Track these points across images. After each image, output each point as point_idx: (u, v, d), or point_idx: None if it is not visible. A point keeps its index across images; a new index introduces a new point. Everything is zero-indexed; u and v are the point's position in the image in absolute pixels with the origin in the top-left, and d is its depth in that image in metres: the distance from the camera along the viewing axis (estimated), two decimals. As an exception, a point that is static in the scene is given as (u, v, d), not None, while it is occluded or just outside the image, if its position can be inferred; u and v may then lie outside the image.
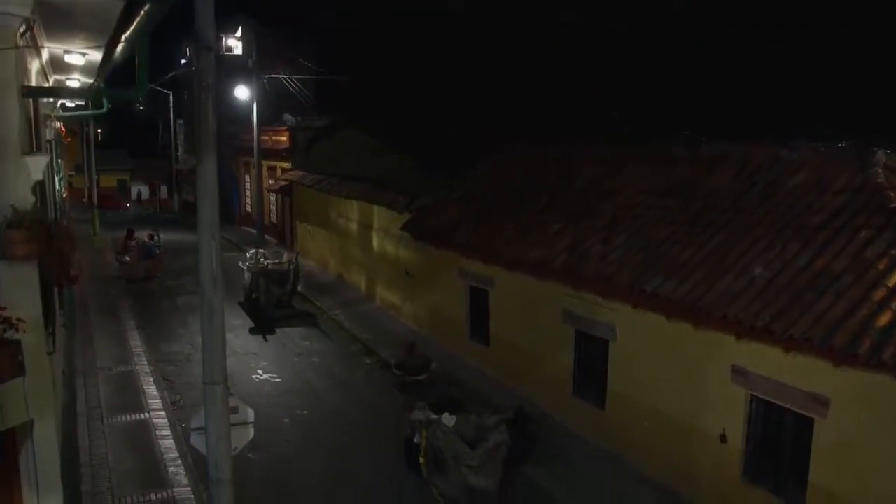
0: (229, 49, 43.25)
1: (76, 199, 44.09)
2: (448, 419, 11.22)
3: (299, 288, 22.46)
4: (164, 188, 62.01)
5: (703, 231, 11.53)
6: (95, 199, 36.69)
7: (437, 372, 15.36)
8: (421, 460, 11.49)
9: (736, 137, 13.46)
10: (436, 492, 11.18)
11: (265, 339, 19.12)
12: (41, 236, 5.23)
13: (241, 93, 30.70)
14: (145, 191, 64.67)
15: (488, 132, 20.76)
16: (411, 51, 27.67)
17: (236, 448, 7.93)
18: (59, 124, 19.47)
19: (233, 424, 7.74)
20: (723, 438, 10.59)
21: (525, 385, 14.82)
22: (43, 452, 5.57)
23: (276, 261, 22.58)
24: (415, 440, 11.92)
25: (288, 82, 30.53)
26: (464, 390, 15.06)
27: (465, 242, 15.92)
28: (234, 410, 7.87)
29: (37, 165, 5.70)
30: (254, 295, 21.12)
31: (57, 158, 17.17)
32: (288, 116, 31.97)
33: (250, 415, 8.11)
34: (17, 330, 4.95)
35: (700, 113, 16.35)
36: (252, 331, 19.71)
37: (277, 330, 19.77)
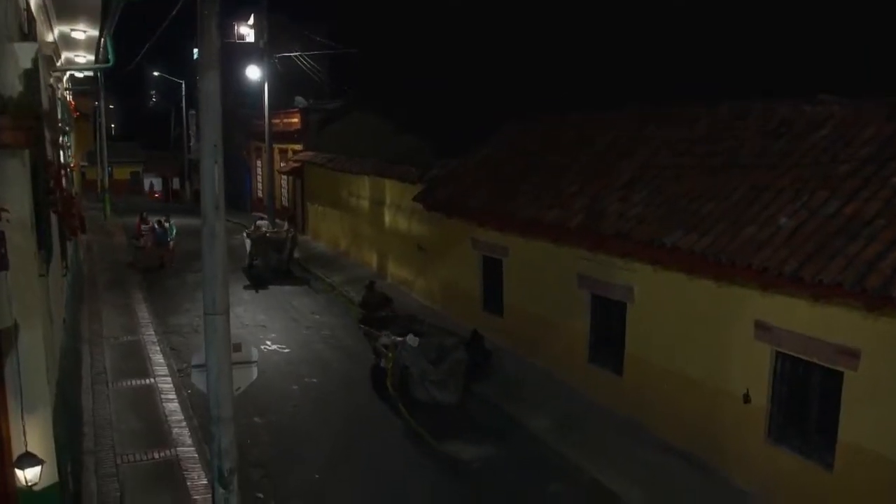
0: (241, 37, 43.20)
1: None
2: (413, 340, 12.39)
3: (296, 255, 24.15)
4: (175, 180, 62.02)
5: (724, 185, 11.12)
6: (107, 185, 36.61)
7: (396, 308, 16.29)
8: (388, 382, 12.53)
9: (757, 96, 13.01)
10: (402, 409, 12.14)
11: (256, 292, 20.96)
12: (29, 125, 4.90)
13: (253, 73, 30.37)
14: (157, 183, 64.66)
15: (501, 109, 20.35)
16: (423, 26, 27.33)
17: (239, 388, 7.61)
18: (68, 96, 19.29)
19: (235, 363, 7.41)
20: (746, 398, 10.15)
21: (540, 354, 14.45)
22: (28, 361, 5.24)
23: (275, 230, 24.24)
24: (381, 365, 12.99)
25: (300, 60, 30.16)
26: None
27: (479, 208, 15.55)
28: (237, 348, 7.54)
29: (25, 53, 5.39)
30: (255, 262, 22.86)
31: (65, 127, 16.96)
32: (299, 99, 31.72)
33: (254, 354, 7.78)
34: (-1, 219, 4.65)
35: (719, 73, 15.89)
36: (246, 287, 21.44)
37: (288, 304, 19.69)
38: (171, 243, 24.59)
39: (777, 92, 12.77)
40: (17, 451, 5.22)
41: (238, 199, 38.08)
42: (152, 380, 13.66)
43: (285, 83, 31.95)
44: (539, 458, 11.27)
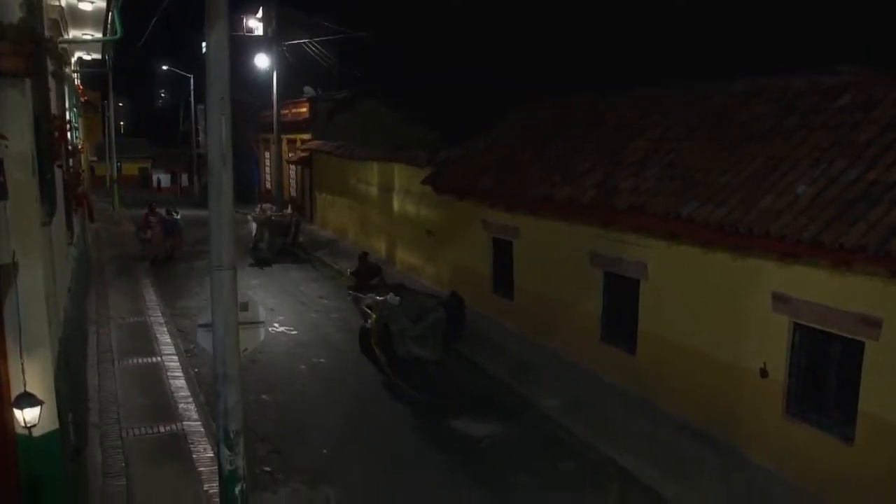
0: (250, 30, 43.09)
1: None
2: (393, 299, 12.94)
3: (301, 239, 24.66)
4: (184, 176, 62.17)
5: (740, 158, 10.89)
6: (115, 177, 36.63)
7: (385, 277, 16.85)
8: (372, 341, 13.12)
9: (771, 71, 12.75)
10: (383, 363, 12.92)
11: (261, 269, 21.91)
12: (30, 50, 4.72)
13: (261, 61, 30.25)
14: (165, 179, 64.79)
15: (510, 95, 20.15)
16: (430, 14, 27.11)
17: (246, 349, 7.45)
18: (76, 79, 19.21)
19: (242, 323, 7.24)
20: (763, 373, 9.93)
21: (551, 336, 14.25)
22: (28, 301, 5.06)
23: (280, 214, 24.90)
24: (367, 325, 13.54)
25: (309, 47, 30.02)
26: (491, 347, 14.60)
27: (490, 188, 15.36)
28: (244, 308, 7.38)
29: (25, -22, 5.23)
30: (259, 245, 23.14)
31: (73, 108, 16.88)
32: (308, 88, 31.63)
33: (261, 314, 7.61)
34: (-3, 143, 4.47)
35: (731, 52, 15.58)
36: (251, 265, 22.13)
37: (296, 290, 19.62)
38: (179, 226, 24.18)
39: (794, 67, 12.49)
40: (16, 393, 5.06)
41: (247, 191, 38.00)
42: (159, 358, 13.54)
43: (294, 73, 31.85)
44: (550, 437, 11.10)
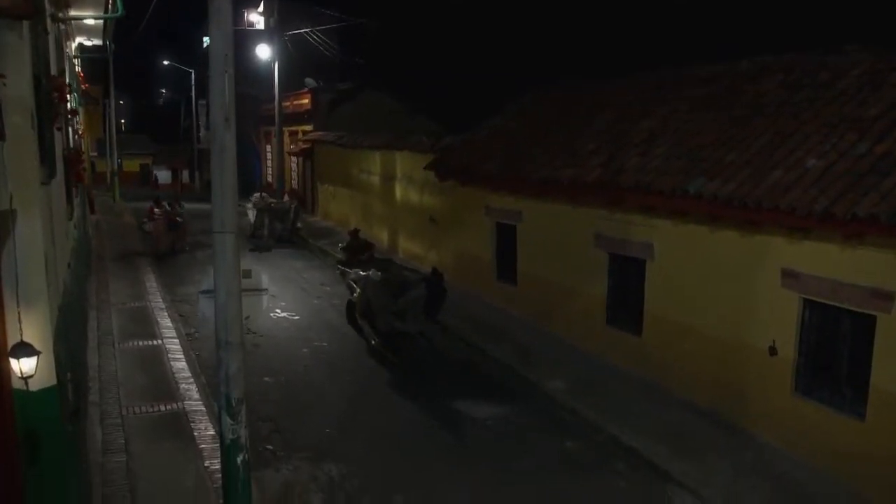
0: (251, 24, 43.00)
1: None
2: (375, 275, 13.23)
3: (299, 225, 25.08)
4: (185, 173, 62.06)
5: (748, 135, 10.78)
6: (115, 170, 36.53)
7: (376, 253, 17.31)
8: (356, 313, 13.81)
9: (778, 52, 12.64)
10: (367, 332, 13.49)
11: (260, 253, 22.25)
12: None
13: (263, 52, 30.14)
14: (164, 175, 64.63)
15: (513, 84, 20.06)
16: (434, 4, 27.06)
17: (248, 317, 7.32)
18: (76, 65, 19.10)
19: (245, 290, 7.10)
20: (772, 351, 9.81)
21: (555, 320, 14.12)
22: (27, 254, 4.91)
23: (279, 201, 25.44)
24: (352, 298, 14.16)
25: (310, 36, 29.87)
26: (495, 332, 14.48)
27: (493, 172, 15.22)
28: (247, 275, 7.25)
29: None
30: (259, 231, 23.61)
31: (74, 93, 16.76)
32: (309, 80, 31.50)
33: (264, 281, 7.50)
34: (-6, 81, 4.34)
35: (736, 34, 15.49)
36: (251, 250, 22.30)
37: (298, 277, 19.53)
38: (181, 220, 23.70)
39: (800, 48, 12.38)
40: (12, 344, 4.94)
41: (248, 184, 37.82)
42: (159, 341, 13.40)
43: (295, 65, 31.71)
44: (555, 418, 10.98)
